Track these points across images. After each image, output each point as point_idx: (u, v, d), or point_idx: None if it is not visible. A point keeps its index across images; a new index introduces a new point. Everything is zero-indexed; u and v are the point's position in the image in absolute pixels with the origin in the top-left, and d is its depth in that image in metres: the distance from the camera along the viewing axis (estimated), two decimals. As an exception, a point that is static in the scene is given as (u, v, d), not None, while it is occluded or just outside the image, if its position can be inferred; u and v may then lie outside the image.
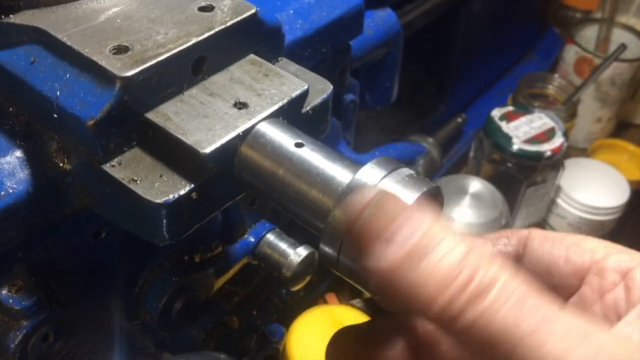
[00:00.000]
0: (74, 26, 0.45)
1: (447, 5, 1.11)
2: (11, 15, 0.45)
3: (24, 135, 0.46)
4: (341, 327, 0.84)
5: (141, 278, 0.58)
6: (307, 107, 0.50)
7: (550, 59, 1.57)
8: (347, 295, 1.05)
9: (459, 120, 1.32)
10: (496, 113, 1.14)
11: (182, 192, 0.43)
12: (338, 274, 0.43)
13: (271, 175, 0.44)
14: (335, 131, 0.74)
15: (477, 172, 1.15)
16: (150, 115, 0.44)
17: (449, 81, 1.32)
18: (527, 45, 1.60)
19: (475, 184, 1.05)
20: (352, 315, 0.85)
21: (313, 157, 0.44)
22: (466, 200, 1.02)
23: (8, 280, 0.46)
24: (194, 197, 0.43)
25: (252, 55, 0.50)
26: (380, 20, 0.76)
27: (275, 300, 1.01)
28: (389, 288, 0.35)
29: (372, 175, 0.41)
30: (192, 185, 0.43)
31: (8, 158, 0.45)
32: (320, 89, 0.52)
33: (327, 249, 0.42)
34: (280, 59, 0.53)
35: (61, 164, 0.46)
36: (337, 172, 0.43)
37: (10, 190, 0.44)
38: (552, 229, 1.19)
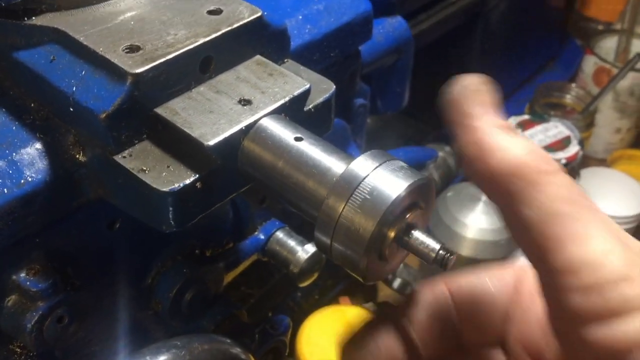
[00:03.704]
0: (91, 27, 0.48)
1: (462, 16, 1.13)
2: (33, 17, 0.49)
3: (43, 128, 0.49)
4: (351, 328, 0.86)
5: (153, 269, 0.60)
6: (309, 106, 0.52)
7: (571, 70, 1.57)
8: (360, 299, 1.07)
9: (477, 129, 1.33)
10: (511, 122, 1.15)
11: (187, 182, 0.45)
12: (333, 260, 0.45)
13: (271, 167, 0.47)
14: (345, 134, 0.76)
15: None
16: (159, 110, 0.47)
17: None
18: (547, 56, 1.61)
19: (489, 191, 1.06)
20: (363, 317, 0.87)
21: (311, 150, 0.46)
22: (480, 207, 1.04)
23: (26, 265, 0.49)
24: (198, 187, 0.46)
25: (258, 56, 0.53)
26: (390, 27, 0.79)
27: (290, 303, 1.03)
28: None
29: (365, 166, 0.43)
30: (197, 175, 0.46)
31: (28, 149, 0.48)
32: (324, 89, 0.54)
33: (321, 236, 0.44)
34: (286, 60, 0.56)
35: (77, 156, 0.49)
36: (333, 163, 0.45)
37: (30, 179, 0.47)
38: (569, 237, 1.19)
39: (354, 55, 0.73)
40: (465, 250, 1.02)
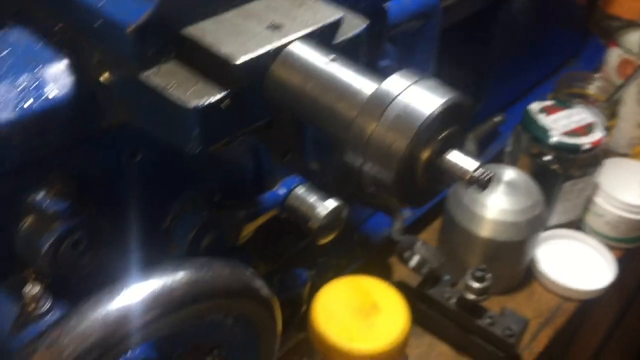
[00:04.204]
0: (121, -55, 0.48)
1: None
2: None
3: (68, 48, 0.49)
4: (367, 297, 0.84)
5: (173, 209, 0.59)
6: (339, 39, 0.51)
7: (593, 67, 1.56)
8: (378, 277, 1.05)
9: (498, 119, 1.32)
10: (535, 106, 1.14)
11: (212, 99, 0.44)
12: (366, 186, 0.44)
13: (300, 90, 0.45)
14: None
15: (513, 165, 1.14)
16: (187, 30, 0.46)
17: (487, 80, 1.32)
18: (569, 52, 1.59)
19: (510, 173, 1.04)
20: (379, 287, 0.85)
21: (342, 72, 0.45)
22: (500, 188, 1.01)
23: (45, 185, 0.48)
24: (223, 107, 0.45)
25: (289, -12, 0.52)
26: (418, -11, 0.78)
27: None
28: None
29: (397, 83, 0.42)
30: (223, 93, 0.45)
31: (52, 68, 0.48)
32: (355, 24, 0.53)
33: (352, 158, 0.43)
34: (316, -2, 0.55)
35: (101, 77, 0.48)
36: (365, 84, 0.44)
37: (51, 96, 0.46)
38: (589, 227, 1.16)
39: (380, 13, 0.71)
40: (484, 231, 1.00)
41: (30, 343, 0.41)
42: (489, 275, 0.91)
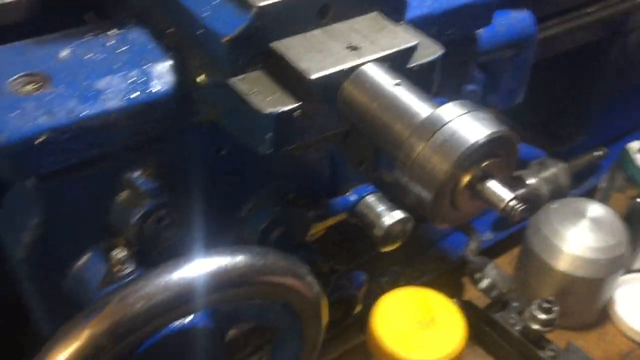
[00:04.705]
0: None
1: (598, 30, 1.10)
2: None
3: (175, 50, 0.56)
4: (427, 309, 0.86)
5: (249, 202, 0.66)
6: (413, 63, 0.55)
7: None
8: (445, 294, 1.07)
9: (599, 153, 1.28)
10: (635, 145, 1.11)
11: (286, 108, 0.50)
12: (408, 202, 0.48)
13: (365, 109, 0.50)
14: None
15: (604, 202, 1.12)
16: (275, 44, 0.52)
17: (591, 113, 1.29)
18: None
19: (596, 209, 1.02)
20: (440, 302, 0.87)
21: (405, 95, 0.49)
22: (584, 223, 1.00)
23: (141, 166, 0.56)
24: (296, 115, 0.50)
25: (375, 13, 0.57)
26: (514, 19, 0.79)
27: (374, 286, 1.05)
28: None
29: (450, 111, 0.45)
30: (296, 104, 0.50)
31: (159, 65, 0.55)
32: (431, 52, 0.57)
33: (399, 175, 0.47)
34: (401, 22, 0.59)
35: (198, 79, 0.55)
36: (423, 109, 0.48)
37: (155, 90, 0.54)
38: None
39: (470, 39, 0.74)
40: (561, 264, 0.99)
41: (104, 296, 0.49)
42: (556, 308, 0.91)
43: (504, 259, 1.15)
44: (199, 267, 0.47)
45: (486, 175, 0.44)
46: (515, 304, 0.99)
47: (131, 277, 0.55)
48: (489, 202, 0.44)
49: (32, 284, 0.58)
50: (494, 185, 0.44)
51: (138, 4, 0.61)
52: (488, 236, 1.16)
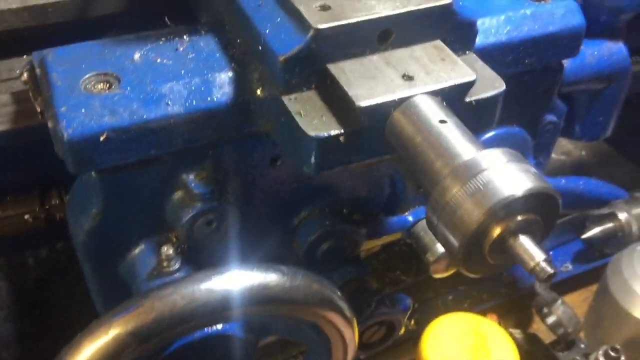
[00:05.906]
0: (297, -16, 0.55)
1: None
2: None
3: (239, 62, 0.58)
4: (481, 338, 0.84)
5: (301, 213, 0.67)
6: (471, 98, 0.53)
7: None
8: (510, 322, 1.03)
9: None
10: None
11: (332, 133, 0.50)
12: (437, 240, 0.47)
13: (409, 141, 0.49)
14: (525, 147, 0.75)
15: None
16: (330, 66, 0.52)
17: None
18: None
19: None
20: (495, 331, 0.84)
21: (450, 133, 0.48)
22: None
23: (196, 170, 0.59)
24: (341, 140, 0.51)
25: (438, 41, 0.55)
26: (607, 51, 0.75)
27: (439, 303, 1.03)
28: None
29: (491, 158, 0.44)
30: (342, 130, 0.50)
31: (223, 74, 0.57)
32: (493, 86, 0.55)
33: (430, 214, 0.46)
34: (467, 52, 0.58)
35: (257, 91, 0.57)
36: (465, 150, 0.46)
37: (216, 98, 0.56)
38: None
39: (554, 69, 0.71)
40: (638, 312, 0.93)
41: (147, 291, 0.52)
42: (623, 358, 0.85)
43: (579, 294, 1.09)
44: (227, 281, 0.49)
45: (520, 231, 0.42)
46: (582, 345, 0.94)
47: (178, 274, 0.58)
48: (518, 258, 0.42)
49: (88, 266, 0.62)
50: (526, 242, 0.42)
51: (219, 10, 0.63)
52: (567, 267, 1.10)
